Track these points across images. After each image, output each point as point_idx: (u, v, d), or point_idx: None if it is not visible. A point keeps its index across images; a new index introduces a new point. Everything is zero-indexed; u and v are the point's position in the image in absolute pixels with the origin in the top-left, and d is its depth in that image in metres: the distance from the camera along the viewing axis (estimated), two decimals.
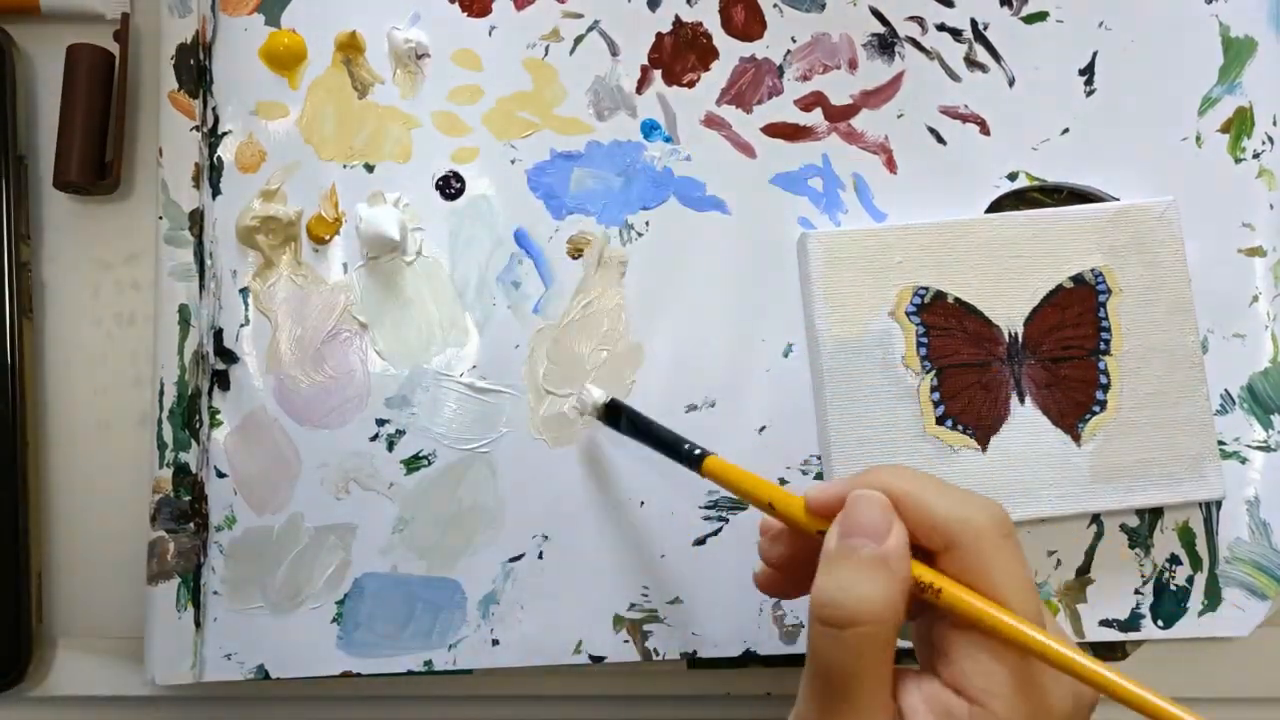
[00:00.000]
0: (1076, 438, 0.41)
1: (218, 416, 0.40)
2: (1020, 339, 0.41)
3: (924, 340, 0.41)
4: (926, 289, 0.41)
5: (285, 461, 0.40)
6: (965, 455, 0.40)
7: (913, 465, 0.40)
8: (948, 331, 0.41)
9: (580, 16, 0.42)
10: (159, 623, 0.40)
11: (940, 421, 0.40)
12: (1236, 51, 0.43)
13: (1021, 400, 0.41)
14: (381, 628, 0.40)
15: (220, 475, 0.40)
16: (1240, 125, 0.43)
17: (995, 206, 0.43)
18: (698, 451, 0.36)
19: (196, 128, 0.42)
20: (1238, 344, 0.42)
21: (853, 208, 0.42)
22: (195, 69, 0.42)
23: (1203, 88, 0.43)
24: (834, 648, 0.29)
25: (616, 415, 0.39)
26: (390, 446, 0.40)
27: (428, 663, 0.40)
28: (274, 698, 0.42)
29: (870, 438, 0.40)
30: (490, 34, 0.42)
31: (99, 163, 0.42)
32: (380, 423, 0.40)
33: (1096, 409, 0.41)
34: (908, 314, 0.41)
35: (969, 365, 0.41)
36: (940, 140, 0.43)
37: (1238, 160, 0.43)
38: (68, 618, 0.42)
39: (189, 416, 0.41)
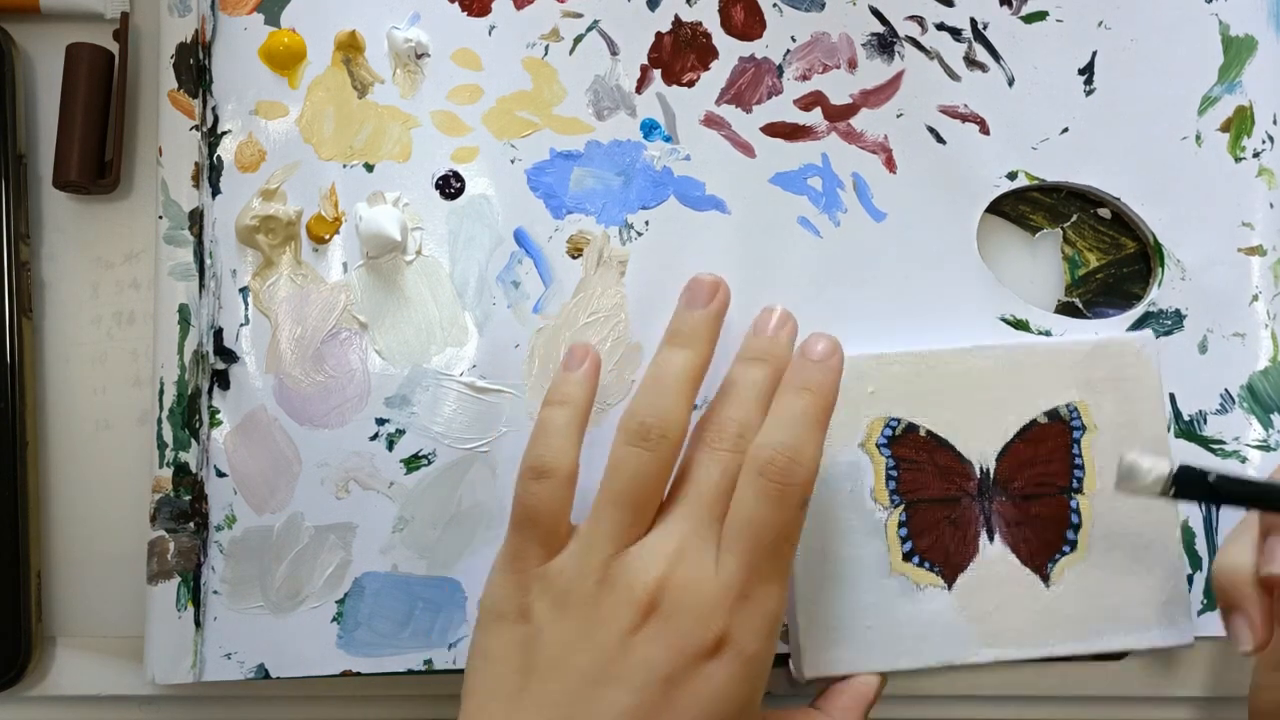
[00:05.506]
0: (1045, 578, 0.40)
1: (218, 416, 0.40)
2: (992, 475, 0.40)
3: (894, 474, 0.40)
4: (898, 421, 0.40)
5: (285, 461, 0.40)
6: (930, 593, 0.40)
7: (876, 604, 0.39)
8: (918, 465, 0.40)
9: (580, 16, 0.42)
10: (159, 622, 0.40)
11: (907, 558, 0.40)
12: (1236, 50, 0.43)
13: (991, 538, 0.40)
14: (382, 627, 0.40)
15: (220, 475, 0.40)
16: (1240, 124, 0.43)
17: (994, 207, 0.43)
18: None
19: (196, 127, 0.42)
20: (1237, 343, 0.42)
21: (852, 207, 0.42)
22: (195, 68, 0.42)
23: (1202, 87, 0.43)
24: None
25: (1197, 484, 0.35)
26: (390, 446, 0.40)
27: (428, 662, 0.40)
28: (274, 697, 0.42)
29: (836, 573, 0.39)
30: (490, 33, 0.42)
31: (99, 162, 0.42)
32: (380, 422, 0.40)
33: (1066, 549, 0.40)
34: (878, 446, 0.40)
35: (939, 501, 0.40)
36: (940, 140, 0.43)
37: (1237, 159, 0.43)
38: (67, 617, 0.42)
39: (189, 416, 0.41)
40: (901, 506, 0.40)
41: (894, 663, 0.39)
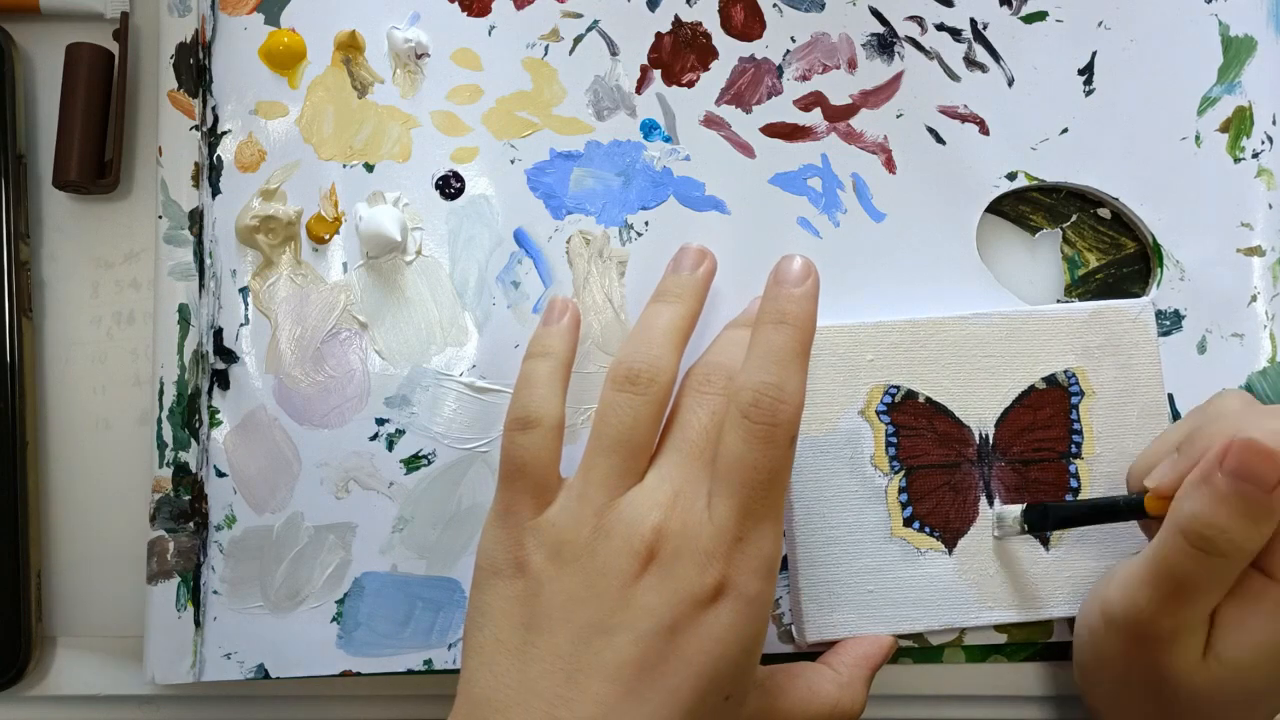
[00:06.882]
0: (1045, 542, 0.40)
1: (217, 416, 0.40)
2: (991, 440, 0.41)
3: (893, 440, 0.40)
4: (898, 388, 0.40)
5: (285, 461, 0.40)
6: (931, 557, 0.40)
7: (877, 568, 0.40)
8: (918, 432, 0.40)
9: (580, 16, 0.42)
10: (158, 622, 0.40)
11: (908, 523, 0.40)
12: (1236, 51, 0.43)
13: (990, 502, 0.40)
14: (381, 627, 0.40)
15: (220, 475, 0.40)
16: (1239, 125, 0.43)
17: (994, 207, 0.43)
18: (1134, 497, 0.37)
19: (196, 127, 0.42)
20: (1236, 344, 0.43)
21: (852, 208, 0.42)
22: (195, 68, 0.42)
23: (1202, 87, 0.43)
24: (1198, 566, 0.34)
25: (1040, 518, 0.39)
26: (390, 446, 0.40)
27: (428, 662, 0.40)
28: (274, 697, 0.42)
29: (836, 538, 0.40)
30: (490, 34, 0.42)
31: (98, 162, 0.42)
32: (380, 422, 0.40)
33: None
34: (878, 413, 0.40)
35: (938, 466, 0.40)
36: (940, 140, 0.43)
37: (1237, 160, 0.43)
38: (67, 617, 0.42)
39: (189, 416, 0.41)
40: (901, 472, 0.40)
41: (895, 626, 0.40)
